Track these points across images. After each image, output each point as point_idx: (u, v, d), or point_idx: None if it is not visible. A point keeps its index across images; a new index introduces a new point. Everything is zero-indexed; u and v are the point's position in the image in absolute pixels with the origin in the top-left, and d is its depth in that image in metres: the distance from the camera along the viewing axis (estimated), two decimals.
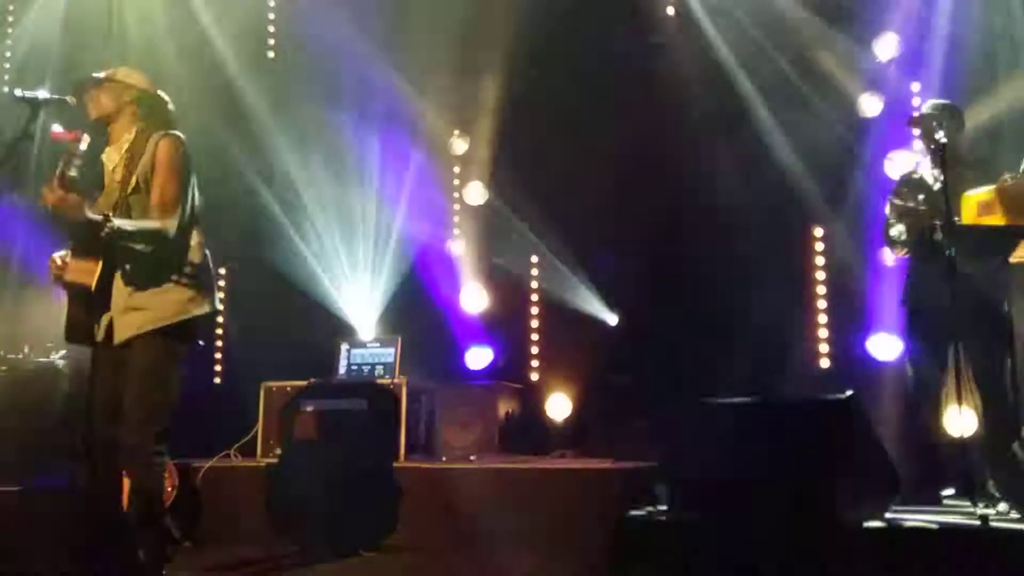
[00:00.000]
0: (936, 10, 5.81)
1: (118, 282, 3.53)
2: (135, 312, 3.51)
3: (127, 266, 3.53)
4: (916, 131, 4.66)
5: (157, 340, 3.51)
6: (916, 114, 4.73)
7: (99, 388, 3.54)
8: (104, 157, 3.72)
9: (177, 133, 3.67)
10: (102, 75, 3.70)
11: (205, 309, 3.63)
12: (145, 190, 3.55)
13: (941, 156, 3.97)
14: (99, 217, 3.35)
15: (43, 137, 3.50)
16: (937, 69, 5.73)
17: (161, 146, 3.59)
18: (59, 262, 3.56)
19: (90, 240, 3.46)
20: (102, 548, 3.68)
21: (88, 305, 3.57)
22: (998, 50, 5.63)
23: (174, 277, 3.57)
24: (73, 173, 3.38)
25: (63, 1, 7.57)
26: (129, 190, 3.55)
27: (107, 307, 3.54)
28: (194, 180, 3.69)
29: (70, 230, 3.56)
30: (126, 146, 3.64)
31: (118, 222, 3.37)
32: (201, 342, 3.74)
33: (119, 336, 3.52)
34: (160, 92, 3.78)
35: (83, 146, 3.42)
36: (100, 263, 3.50)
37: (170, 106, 3.78)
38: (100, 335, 3.55)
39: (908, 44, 5.92)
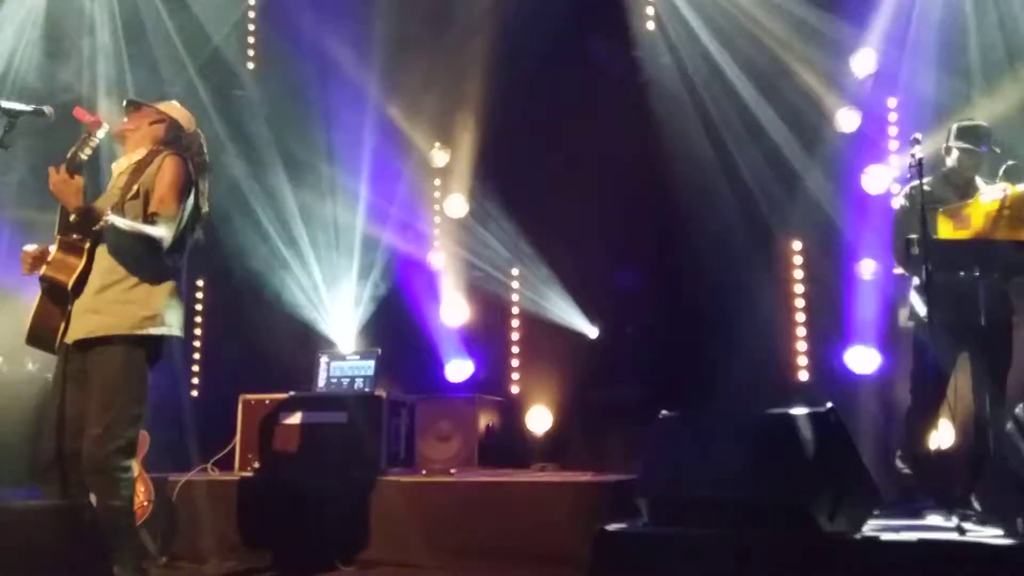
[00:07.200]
0: (913, 26, 5.88)
1: (89, 283, 3.51)
2: (92, 315, 3.49)
3: (103, 265, 3.51)
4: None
5: (117, 352, 3.46)
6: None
7: (63, 401, 3.50)
8: (114, 165, 3.80)
9: (185, 155, 3.71)
10: (154, 106, 3.84)
11: (161, 331, 3.57)
12: (143, 199, 3.58)
13: (918, 171, 4.04)
14: (97, 209, 3.39)
15: (46, 149, 3.51)
16: (915, 85, 5.80)
17: (167, 161, 3.65)
18: (35, 253, 3.54)
19: (79, 235, 3.46)
20: (77, 564, 3.63)
21: (59, 304, 3.53)
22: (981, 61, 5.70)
23: (142, 291, 3.54)
24: (84, 156, 3.42)
25: (41, 15, 7.52)
26: (129, 195, 3.57)
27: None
28: (191, 204, 3.70)
29: (61, 221, 3.53)
30: (137, 158, 3.71)
31: (113, 218, 3.41)
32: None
33: (71, 335, 3.49)
34: (199, 130, 3.90)
35: (101, 133, 3.45)
36: (83, 260, 3.49)
37: (204, 145, 3.88)
38: (65, 336, 3.51)
39: (885, 60, 5.99)
